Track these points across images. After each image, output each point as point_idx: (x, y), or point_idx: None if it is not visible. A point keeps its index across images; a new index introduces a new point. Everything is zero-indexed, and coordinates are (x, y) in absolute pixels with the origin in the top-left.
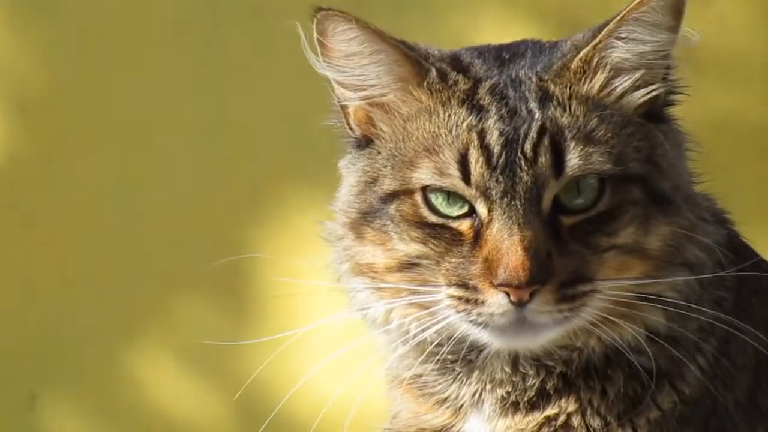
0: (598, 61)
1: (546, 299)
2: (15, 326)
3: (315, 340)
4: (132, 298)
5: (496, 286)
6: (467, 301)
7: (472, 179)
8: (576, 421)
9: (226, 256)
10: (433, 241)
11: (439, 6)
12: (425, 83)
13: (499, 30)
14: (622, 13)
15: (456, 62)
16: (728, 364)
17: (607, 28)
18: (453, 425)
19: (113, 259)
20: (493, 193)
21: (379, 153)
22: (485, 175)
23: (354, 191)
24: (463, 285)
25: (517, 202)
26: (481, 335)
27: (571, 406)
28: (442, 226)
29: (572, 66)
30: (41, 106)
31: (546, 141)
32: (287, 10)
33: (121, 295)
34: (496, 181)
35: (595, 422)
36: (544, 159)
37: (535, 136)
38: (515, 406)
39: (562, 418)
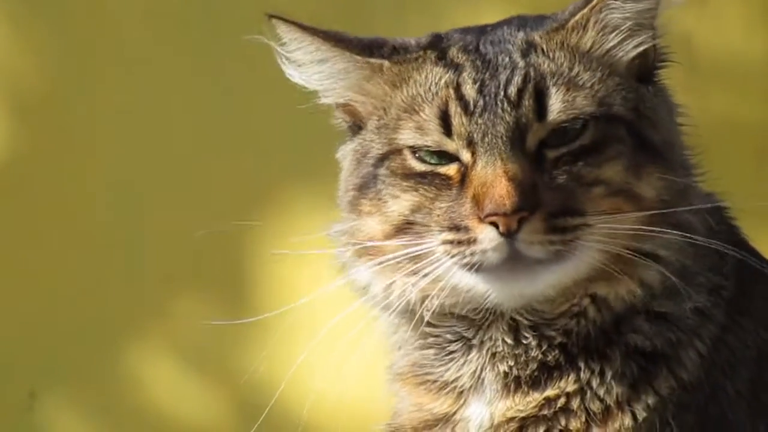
0: (594, 22)
1: (535, 228)
2: (15, 325)
3: (318, 329)
4: (132, 298)
5: (484, 219)
6: (459, 243)
7: (453, 129)
8: (575, 404)
9: (227, 256)
10: (423, 187)
11: (439, 5)
12: (390, 69)
13: None
14: None
15: (433, 37)
16: (728, 353)
17: None
18: (455, 412)
19: (113, 258)
20: (475, 135)
21: (367, 132)
22: (464, 121)
23: (350, 170)
24: (455, 227)
25: (499, 140)
26: (477, 283)
27: (570, 387)
28: (432, 173)
29: (568, 25)
30: (41, 106)
31: (530, 87)
32: (287, 10)
33: (121, 295)
34: (476, 123)
35: (595, 405)
36: (527, 103)
37: (519, 81)
38: (517, 383)
39: (562, 400)
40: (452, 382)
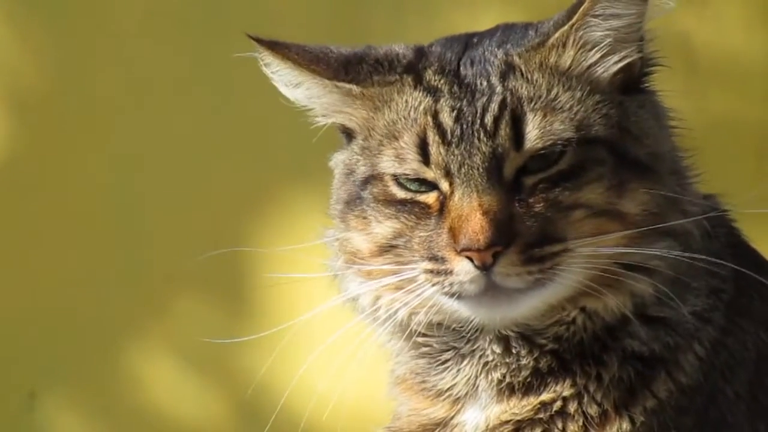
0: (574, 40)
1: (511, 261)
2: (15, 326)
3: (318, 329)
4: (132, 297)
5: (460, 253)
6: (438, 273)
7: (431, 159)
8: (572, 407)
9: (227, 256)
10: (404, 215)
11: (438, 5)
12: (366, 94)
13: None
14: None
15: (417, 52)
16: (727, 356)
17: (583, 7)
18: (452, 417)
19: (113, 258)
20: (452, 167)
21: (355, 146)
22: (442, 152)
23: (339, 183)
24: (434, 257)
25: (475, 171)
26: (460, 308)
27: (567, 391)
28: (412, 201)
29: (549, 43)
30: (41, 106)
31: (507, 114)
32: (287, 10)
33: (121, 295)
34: (452, 154)
35: (592, 409)
36: (503, 132)
37: (495, 108)
38: (510, 389)
39: (558, 403)
40: (447, 389)
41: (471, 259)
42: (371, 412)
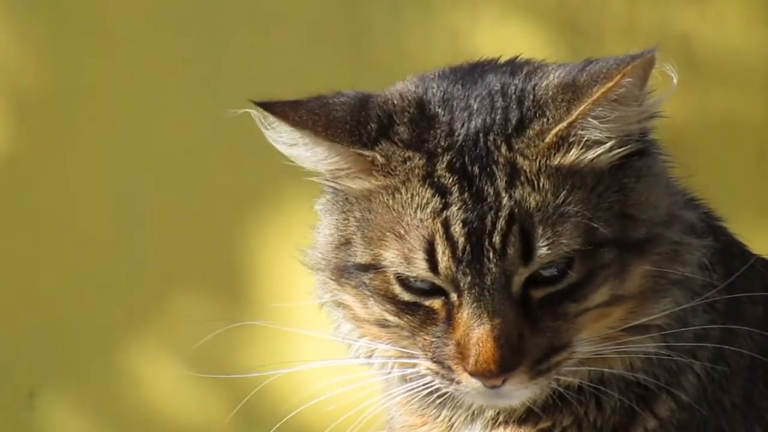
0: (573, 139)
1: (520, 380)
2: (15, 326)
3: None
4: (132, 297)
5: (469, 373)
6: (443, 376)
7: (440, 270)
8: None
9: (226, 256)
10: (407, 316)
11: (437, 5)
12: (373, 171)
13: (497, 30)
14: (597, 93)
15: (417, 120)
16: (724, 366)
17: (582, 108)
18: None
19: (113, 258)
20: (461, 284)
21: (352, 210)
22: (452, 267)
23: (331, 245)
24: (439, 363)
25: (486, 293)
26: (462, 396)
27: (566, 420)
28: (416, 304)
29: (546, 140)
30: (41, 105)
31: (515, 230)
32: (287, 10)
33: (121, 295)
34: (463, 273)
35: None
36: (512, 249)
37: (503, 225)
38: (506, 422)
39: (557, 430)
40: (446, 420)
41: (481, 381)
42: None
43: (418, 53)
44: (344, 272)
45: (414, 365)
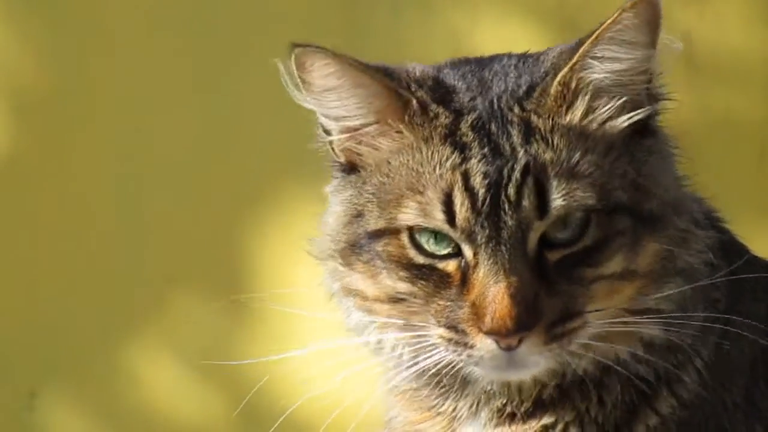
0: (577, 84)
1: (535, 342)
2: (15, 326)
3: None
4: (132, 297)
5: (485, 333)
6: (457, 342)
7: (457, 222)
8: (574, 430)
9: (226, 256)
10: (421, 281)
11: (437, 5)
12: (406, 117)
13: (497, 29)
14: (596, 32)
15: (437, 88)
16: (725, 365)
17: (582, 49)
18: None
19: (113, 258)
20: (478, 237)
21: (365, 184)
22: (470, 219)
23: (341, 221)
24: (453, 327)
25: (503, 247)
26: (473, 370)
27: (569, 416)
28: (430, 267)
29: (551, 91)
30: (41, 105)
31: (530, 182)
32: (287, 9)
33: (121, 295)
34: (481, 226)
35: (593, 430)
36: (527, 201)
37: (518, 177)
38: (512, 417)
39: (560, 426)
40: (449, 412)
41: (496, 340)
42: (370, 411)
43: (418, 53)
44: (354, 248)
45: (425, 339)
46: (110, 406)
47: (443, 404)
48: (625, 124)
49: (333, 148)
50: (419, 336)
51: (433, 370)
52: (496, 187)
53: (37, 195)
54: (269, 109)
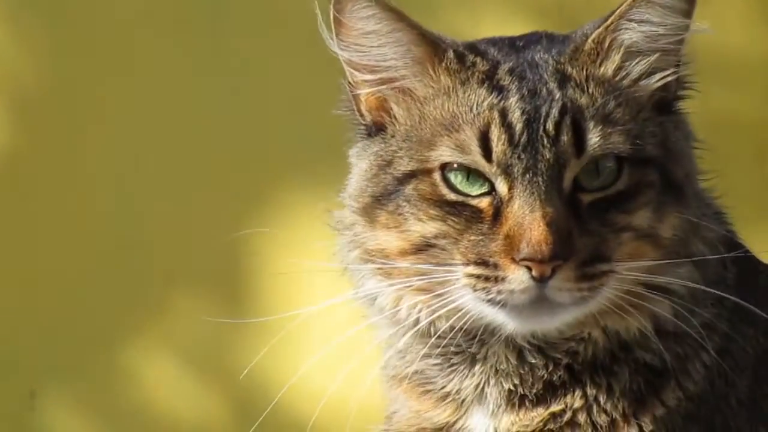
0: (610, 43)
1: (567, 276)
2: (15, 325)
3: (316, 328)
4: (132, 297)
5: (518, 262)
6: (486, 279)
7: (494, 156)
8: (582, 418)
9: (227, 255)
10: (452, 218)
11: (439, 6)
12: (443, 64)
13: (499, 30)
14: None
15: (473, 47)
16: (730, 362)
17: (618, 10)
18: (455, 422)
19: (113, 258)
20: (515, 170)
21: (393, 136)
22: (507, 152)
23: (367, 176)
24: (483, 262)
25: (539, 179)
26: (498, 316)
27: (577, 403)
28: (462, 204)
29: (585, 48)
30: (41, 105)
31: (567, 120)
32: (288, 9)
33: (121, 295)
34: (518, 158)
35: (601, 419)
36: (566, 137)
37: (556, 114)
38: (522, 400)
39: (568, 414)
40: (454, 393)
41: (529, 269)
42: (368, 408)
43: None
44: (380, 199)
45: (447, 291)
46: (110, 406)
47: (447, 384)
48: (655, 86)
49: (359, 108)
50: (442, 283)
51: (450, 334)
52: (533, 123)
53: (37, 195)
54: (270, 109)
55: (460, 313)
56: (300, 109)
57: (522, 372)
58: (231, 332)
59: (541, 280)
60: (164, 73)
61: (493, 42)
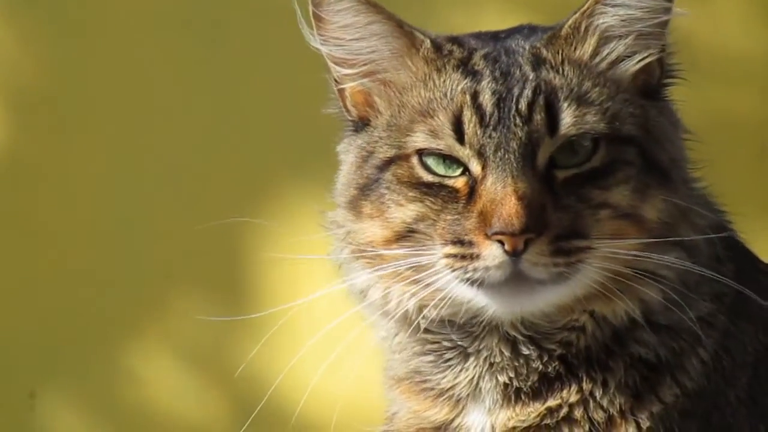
0: (586, 27)
1: (541, 250)
2: (15, 325)
3: (317, 321)
4: (132, 297)
5: (491, 237)
6: (463, 257)
7: (466, 138)
8: (578, 413)
9: (227, 254)
10: (429, 199)
11: (437, 5)
12: (420, 53)
13: (498, 29)
14: None
15: (452, 38)
16: (729, 359)
17: None
18: (453, 420)
19: (113, 258)
20: (487, 149)
21: (376, 129)
22: (478, 133)
23: (352, 168)
24: (459, 241)
25: (511, 156)
26: (478, 297)
27: (573, 397)
28: (439, 185)
29: (562, 33)
30: (41, 104)
31: (540, 100)
32: (288, 9)
33: (121, 294)
34: (489, 137)
35: (598, 415)
36: (539, 117)
37: (529, 94)
38: (517, 394)
39: (564, 410)
40: (449, 389)
41: (501, 243)
42: (366, 407)
43: None
44: (364, 190)
45: (429, 274)
46: (110, 406)
47: (442, 381)
48: (635, 68)
49: (345, 104)
50: (425, 266)
51: (440, 327)
52: (505, 102)
53: (37, 195)
54: (269, 107)
55: (445, 300)
56: (300, 109)
57: (516, 365)
58: (231, 331)
59: (514, 254)
60: (163, 72)
61: (477, 35)
